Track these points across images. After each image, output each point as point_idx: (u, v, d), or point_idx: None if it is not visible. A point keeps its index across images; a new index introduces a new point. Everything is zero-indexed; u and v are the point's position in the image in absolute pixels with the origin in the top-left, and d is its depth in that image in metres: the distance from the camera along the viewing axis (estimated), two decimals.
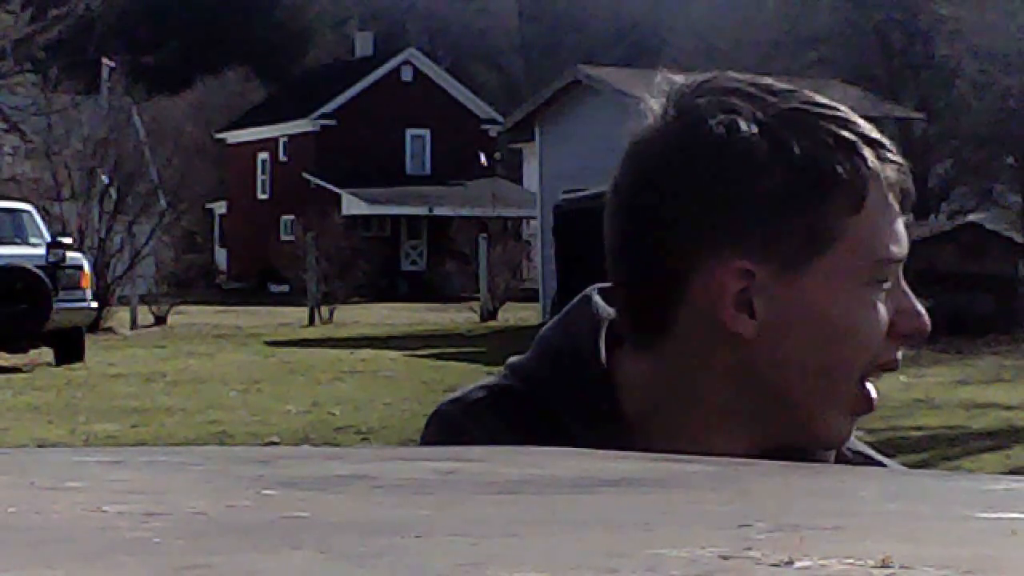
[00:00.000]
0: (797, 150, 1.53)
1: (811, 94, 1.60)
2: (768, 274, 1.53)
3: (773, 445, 1.58)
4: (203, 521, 0.93)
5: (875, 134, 1.59)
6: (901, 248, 1.58)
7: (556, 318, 1.66)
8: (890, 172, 1.57)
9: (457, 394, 1.64)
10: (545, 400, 1.60)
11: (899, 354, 1.60)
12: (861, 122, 1.59)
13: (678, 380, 1.58)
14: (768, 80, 1.60)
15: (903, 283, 1.59)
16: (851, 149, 1.55)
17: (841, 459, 1.66)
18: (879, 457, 1.71)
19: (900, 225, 1.58)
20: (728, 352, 1.55)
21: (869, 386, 1.58)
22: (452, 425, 1.61)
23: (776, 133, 1.54)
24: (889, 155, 1.58)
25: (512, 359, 1.65)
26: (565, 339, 1.62)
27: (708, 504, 1.04)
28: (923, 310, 1.59)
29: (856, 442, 1.69)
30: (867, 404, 1.58)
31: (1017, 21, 35.40)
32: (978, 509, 1.02)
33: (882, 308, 1.57)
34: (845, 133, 1.56)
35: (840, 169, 1.54)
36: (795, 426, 1.58)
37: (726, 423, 1.58)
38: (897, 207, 1.58)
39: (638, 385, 1.60)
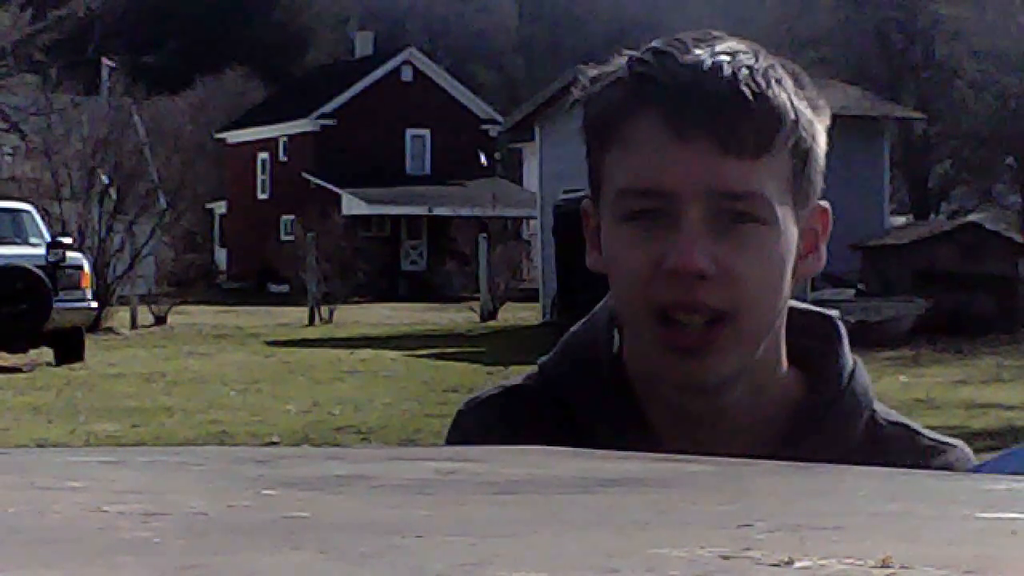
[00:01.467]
0: (593, 97, 1.59)
1: (682, 37, 1.58)
2: (594, 212, 1.62)
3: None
4: (203, 521, 0.93)
5: (658, 69, 1.54)
6: (647, 178, 1.53)
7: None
8: (655, 110, 1.52)
9: (476, 393, 1.70)
10: (559, 394, 1.64)
11: (701, 295, 1.52)
12: (651, 58, 1.55)
13: None
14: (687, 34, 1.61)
15: (690, 221, 1.52)
16: (610, 87, 1.57)
17: (876, 428, 1.64)
18: (915, 426, 1.68)
19: (661, 156, 1.53)
20: None
21: (683, 324, 1.53)
22: (458, 422, 1.68)
23: (592, 84, 1.60)
24: (661, 91, 1.52)
25: (541, 358, 1.71)
26: (586, 332, 1.67)
27: (708, 504, 1.04)
28: (691, 249, 1.51)
29: (894, 413, 1.68)
30: (675, 338, 1.54)
31: (1017, 21, 35.40)
32: (978, 509, 1.02)
33: (646, 243, 1.53)
34: (615, 72, 1.57)
35: (596, 110, 1.58)
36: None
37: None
38: (667, 137, 1.52)
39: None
